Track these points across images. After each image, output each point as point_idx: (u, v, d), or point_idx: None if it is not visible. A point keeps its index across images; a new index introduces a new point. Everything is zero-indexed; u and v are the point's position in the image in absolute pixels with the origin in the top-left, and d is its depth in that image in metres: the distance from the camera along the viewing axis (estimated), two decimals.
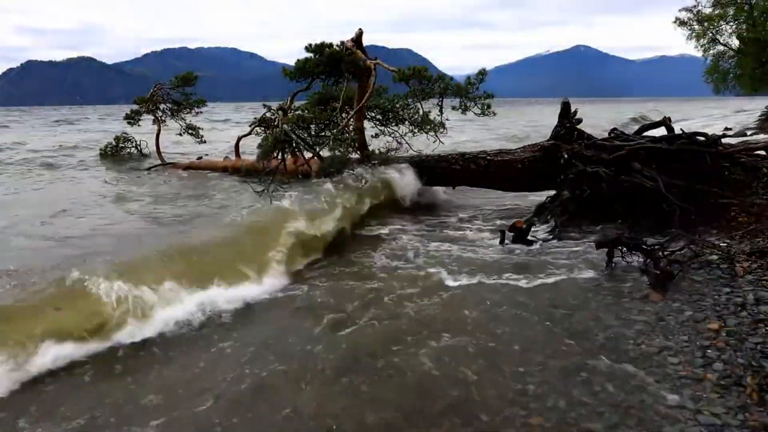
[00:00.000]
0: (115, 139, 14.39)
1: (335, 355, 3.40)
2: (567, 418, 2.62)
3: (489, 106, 9.15)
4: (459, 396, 2.86)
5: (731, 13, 26.47)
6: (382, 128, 10.37)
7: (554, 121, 7.48)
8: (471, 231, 6.61)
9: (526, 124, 27.57)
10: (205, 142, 14.94)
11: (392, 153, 9.20)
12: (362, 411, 2.78)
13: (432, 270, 4.99)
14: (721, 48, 28.26)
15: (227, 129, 26.32)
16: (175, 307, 3.97)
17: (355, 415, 2.75)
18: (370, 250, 5.85)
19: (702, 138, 6.39)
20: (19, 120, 46.67)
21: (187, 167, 12.38)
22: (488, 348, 3.39)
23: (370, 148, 9.28)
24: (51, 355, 3.29)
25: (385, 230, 6.81)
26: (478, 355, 3.30)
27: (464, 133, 18.90)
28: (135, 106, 14.30)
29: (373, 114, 10.27)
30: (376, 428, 2.66)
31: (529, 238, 5.87)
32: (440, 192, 8.85)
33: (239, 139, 11.68)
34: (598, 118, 23.86)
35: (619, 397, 2.76)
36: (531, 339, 3.50)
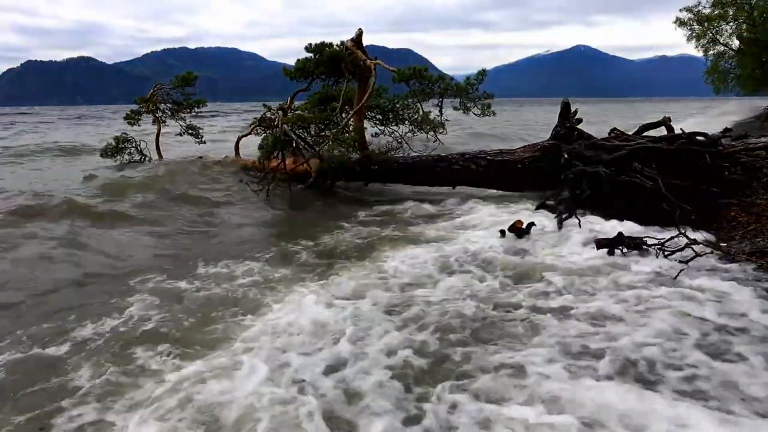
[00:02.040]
0: (114, 139, 14.35)
1: None
2: None
3: (489, 106, 9.16)
4: None
5: (731, 13, 26.49)
6: (382, 128, 10.38)
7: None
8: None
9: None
10: (204, 142, 14.91)
11: (392, 153, 9.21)
12: None
13: None
14: (721, 48, 28.31)
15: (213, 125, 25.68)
16: None
17: None
18: None
19: (702, 138, 6.39)
20: (51, 117, 46.34)
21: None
22: None
23: (371, 147, 9.28)
24: None
25: None
26: None
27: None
28: (135, 106, 14.29)
29: (373, 114, 10.28)
30: None
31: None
32: None
33: (239, 138, 11.66)
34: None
35: None
36: None
